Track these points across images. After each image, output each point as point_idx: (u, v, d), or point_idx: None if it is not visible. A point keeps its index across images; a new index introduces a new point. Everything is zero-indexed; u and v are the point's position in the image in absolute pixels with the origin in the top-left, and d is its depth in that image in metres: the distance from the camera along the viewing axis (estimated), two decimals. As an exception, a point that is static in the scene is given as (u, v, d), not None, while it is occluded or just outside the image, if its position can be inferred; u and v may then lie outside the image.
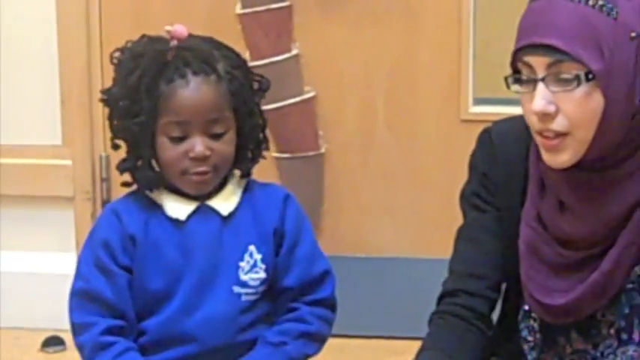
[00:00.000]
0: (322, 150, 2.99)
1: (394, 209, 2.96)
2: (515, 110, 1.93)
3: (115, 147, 2.14)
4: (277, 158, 2.90)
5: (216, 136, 2.03)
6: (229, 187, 2.12)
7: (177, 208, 2.08)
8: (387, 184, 2.98)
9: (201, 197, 2.09)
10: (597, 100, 1.76)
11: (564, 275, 1.89)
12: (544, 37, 1.78)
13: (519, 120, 1.95)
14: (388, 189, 2.98)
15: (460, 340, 1.96)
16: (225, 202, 2.11)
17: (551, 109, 1.76)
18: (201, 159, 2.02)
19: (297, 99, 2.95)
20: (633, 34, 1.76)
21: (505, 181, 1.96)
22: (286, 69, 2.92)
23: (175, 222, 2.07)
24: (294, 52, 2.95)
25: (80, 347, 2.05)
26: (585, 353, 1.92)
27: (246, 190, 2.13)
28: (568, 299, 1.87)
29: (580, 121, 1.78)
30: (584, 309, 1.87)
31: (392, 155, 2.96)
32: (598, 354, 1.92)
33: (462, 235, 1.98)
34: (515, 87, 1.84)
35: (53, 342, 2.93)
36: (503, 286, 2.10)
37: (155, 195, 2.10)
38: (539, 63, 1.77)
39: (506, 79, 1.84)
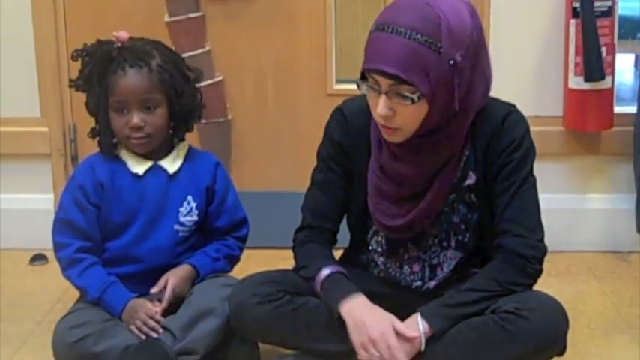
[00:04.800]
0: (229, 117, 3.05)
1: (280, 157, 3.05)
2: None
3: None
4: (198, 124, 2.81)
5: (149, 112, 2.16)
6: (175, 153, 2.25)
7: (137, 166, 2.22)
8: (275, 140, 3.05)
9: (154, 159, 2.22)
10: (423, 108, 1.87)
11: (401, 205, 2.02)
12: (388, 67, 1.83)
13: (363, 97, 2.00)
14: (276, 143, 3.05)
15: (320, 249, 2.09)
16: (172, 164, 2.24)
17: (391, 114, 1.88)
18: (137, 128, 2.15)
19: (210, 81, 2.96)
20: (452, 62, 1.83)
21: (355, 145, 2.06)
22: (202, 60, 2.94)
23: (135, 176, 2.21)
24: (207, 48, 3.00)
25: (59, 260, 2.20)
26: (418, 257, 2.08)
27: (187, 155, 2.27)
28: (405, 221, 2.01)
29: (409, 123, 1.90)
30: (416, 227, 2.02)
31: (278, 119, 3.04)
32: (427, 257, 2.07)
33: (315, 184, 2.11)
34: (364, 89, 1.91)
35: (38, 258, 2.99)
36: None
37: (121, 154, 2.23)
38: (383, 81, 1.86)
39: (357, 82, 1.91)
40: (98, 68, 2.18)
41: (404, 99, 1.86)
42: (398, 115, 1.89)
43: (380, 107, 1.88)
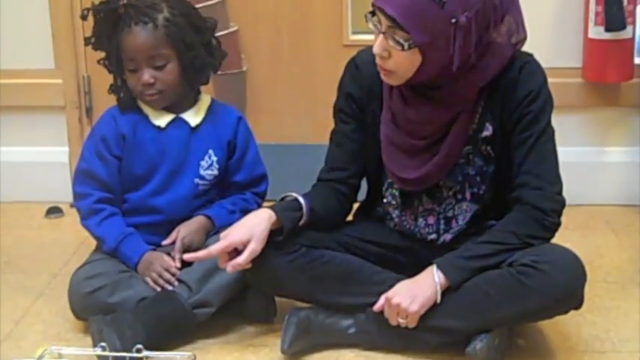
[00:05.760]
0: (244, 68, 3.02)
1: (295, 109, 3.03)
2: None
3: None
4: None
5: (159, 68, 2.16)
6: (197, 106, 2.26)
7: (159, 118, 2.23)
8: (291, 91, 3.02)
9: (176, 111, 2.24)
10: (416, 58, 1.87)
11: (414, 157, 2.02)
12: (389, 7, 1.85)
13: None
14: (291, 94, 3.03)
15: (327, 198, 2.10)
16: (194, 117, 2.26)
17: (385, 54, 1.90)
18: (148, 85, 2.16)
19: (225, 32, 2.91)
20: (453, 20, 1.82)
21: (368, 97, 2.06)
22: (217, 10, 2.90)
23: (157, 128, 2.22)
24: (222, -2, 2.96)
25: (78, 210, 2.23)
26: (432, 210, 2.08)
27: (210, 109, 2.28)
28: (419, 174, 2.01)
29: (401, 68, 1.90)
30: (430, 180, 2.02)
31: (294, 70, 3.01)
32: (441, 209, 2.08)
33: (331, 140, 2.12)
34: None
35: (54, 211, 3.00)
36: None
37: (142, 107, 2.24)
38: (383, 21, 1.88)
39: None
40: (106, 27, 2.19)
41: (397, 44, 1.88)
42: (392, 57, 1.91)
43: (375, 46, 1.91)
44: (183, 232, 2.22)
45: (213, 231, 2.25)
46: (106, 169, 2.22)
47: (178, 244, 2.20)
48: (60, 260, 2.62)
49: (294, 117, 3.06)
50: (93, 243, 2.30)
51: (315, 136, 2.80)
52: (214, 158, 2.28)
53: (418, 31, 1.84)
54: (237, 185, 2.33)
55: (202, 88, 2.35)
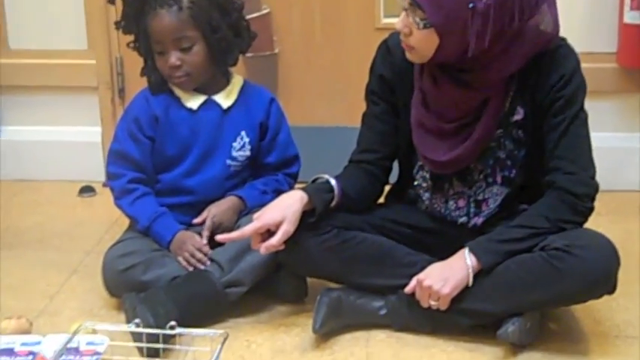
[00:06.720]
0: (276, 51, 3.04)
1: (328, 92, 3.03)
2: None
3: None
4: (244, 57, 2.79)
5: (185, 50, 2.17)
6: (229, 87, 2.27)
7: (191, 100, 2.24)
8: (322, 74, 3.03)
9: (208, 93, 2.25)
10: (434, 38, 1.88)
11: (445, 139, 2.01)
12: None
13: None
14: (323, 77, 3.03)
15: (358, 180, 2.11)
16: (226, 99, 2.27)
17: (406, 30, 1.91)
18: (175, 67, 2.17)
19: (257, 14, 2.95)
20: (471, 5, 1.82)
21: (399, 79, 2.07)
22: (249, -8, 2.90)
23: (189, 110, 2.24)
24: (255, -20, 2.96)
25: (112, 189, 2.25)
26: (463, 193, 2.08)
27: (242, 90, 2.29)
28: (450, 156, 2.01)
29: (420, 46, 1.91)
30: (461, 163, 2.02)
31: (325, 53, 3.03)
32: (472, 192, 2.08)
33: (363, 122, 2.13)
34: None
35: (87, 190, 3.04)
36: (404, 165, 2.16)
37: (174, 89, 2.25)
38: None
39: None
40: (133, 11, 2.20)
41: (414, 22, 1.88)
42: (412, 35, 1.91)
43: (397, 21, 1.92)
44: (214, 211, 2.23)
45: (245, 211, 2.27)
46: (138, 149, 2.23)
47: (208, 223, 2.22)
48: (93, 238, 2.65)
49: (326, 99, 3.06)
50: (125, 222, 2.33)
51: (346, 118, 2.81)
52: (246, 139, 2.29)
53: (434, 11, 1.85)
54: (270, 166, 2.34)
55: (235, 69, 2.35)
